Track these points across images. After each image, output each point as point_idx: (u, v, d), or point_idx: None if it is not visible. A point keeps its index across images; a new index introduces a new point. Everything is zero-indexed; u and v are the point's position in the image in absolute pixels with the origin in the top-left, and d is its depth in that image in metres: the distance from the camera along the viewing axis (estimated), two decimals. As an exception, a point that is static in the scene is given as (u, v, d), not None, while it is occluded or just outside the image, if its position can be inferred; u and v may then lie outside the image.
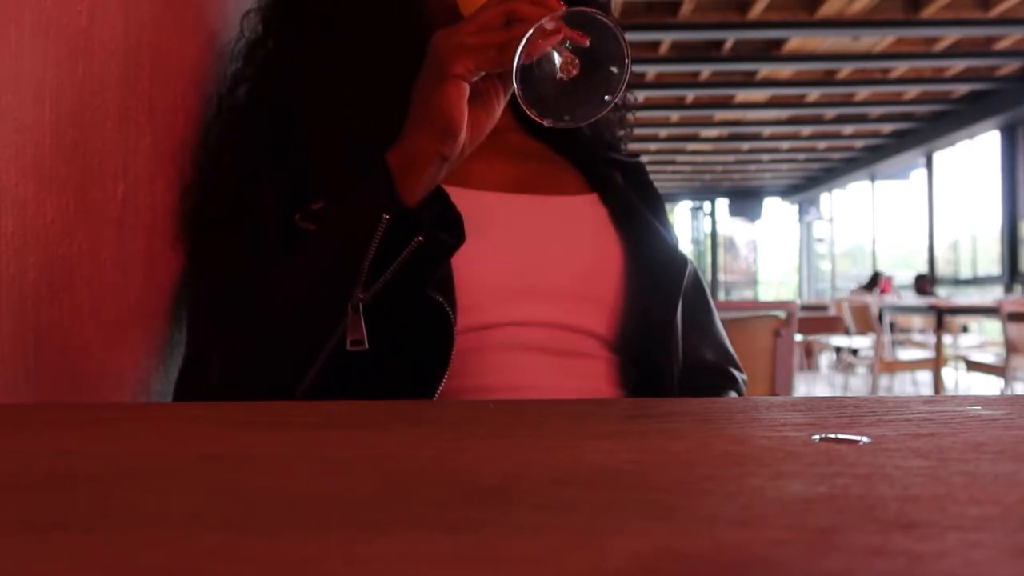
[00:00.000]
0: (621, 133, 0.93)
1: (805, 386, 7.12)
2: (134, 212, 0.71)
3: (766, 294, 17.34)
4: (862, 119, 10.06)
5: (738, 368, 0.90)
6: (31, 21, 0.56)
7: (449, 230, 0.68)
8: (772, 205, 16.20)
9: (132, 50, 0.71)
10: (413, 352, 0.70)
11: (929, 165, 10.92)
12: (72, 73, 0.61)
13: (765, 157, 12.53)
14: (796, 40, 7.04)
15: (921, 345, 7.30)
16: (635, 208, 0.84)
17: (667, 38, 6.86)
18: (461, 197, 0.70)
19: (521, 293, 0.75)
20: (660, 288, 0.80)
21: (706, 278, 1.16)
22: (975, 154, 10.39)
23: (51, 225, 0.59)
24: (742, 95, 8.73)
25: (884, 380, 6.52)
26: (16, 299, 0.55)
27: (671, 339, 0.81)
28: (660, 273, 0.81)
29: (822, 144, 11.52)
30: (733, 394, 0.87)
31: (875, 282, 9.54)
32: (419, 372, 0.70)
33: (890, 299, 7.72)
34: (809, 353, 7.72)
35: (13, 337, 0.54)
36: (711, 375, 0.88)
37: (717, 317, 0.92)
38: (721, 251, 16.64)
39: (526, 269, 0.76)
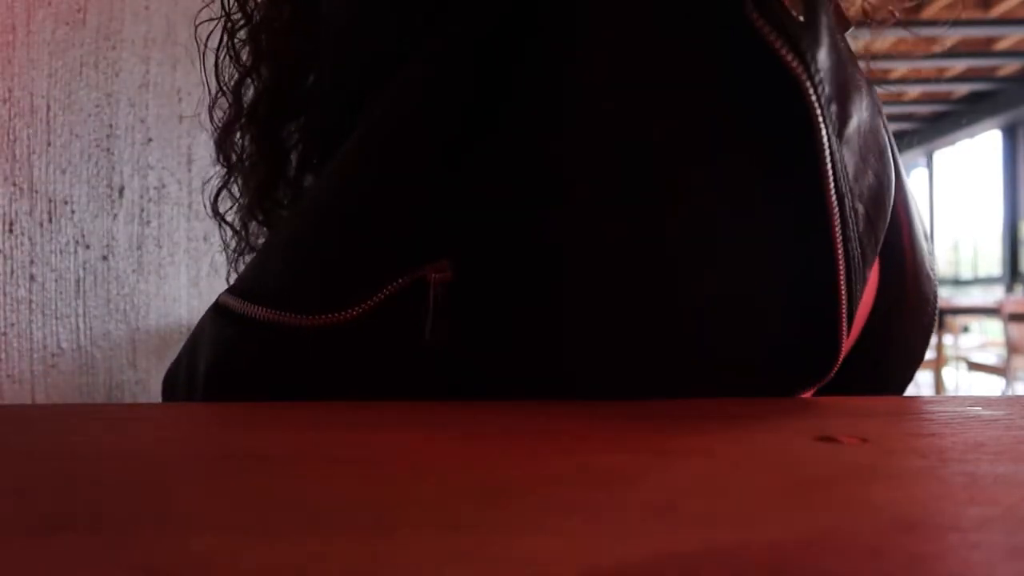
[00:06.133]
0: None
1: (805, 386, 7.09)
2: (135, 212, 0.71)
3: (767, 294, 17.29)
4: (862, 119, 10.04)
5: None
6: (31, 21, 0.56)
7: None
8: (773, 205, 16.16)
9: (132, 50, 0.71)
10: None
11: (930, 165, 10.91)
12: (73, 73, 0.61)
13: (766, 157, 12.51)
14: (796, 40, 7.03)
15: (921, 345, 7.28)
16: None
17: (667, 38, 6.85)
18: None
19: None
20: None
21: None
22: (976, 154, 10.39)
23: (51, 226, 0.59)
24: (742, 95, 8.71)
25: (884, 380, 6.49)
26: (16, 299, 0.55)
27: None
28: None
29: (822, 144, 11.50)
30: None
31: None
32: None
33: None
34: (810, 353, 7.69)
35: (13, 338, 0.54)
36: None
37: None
38: (722, 251, 16.59)
39: None
